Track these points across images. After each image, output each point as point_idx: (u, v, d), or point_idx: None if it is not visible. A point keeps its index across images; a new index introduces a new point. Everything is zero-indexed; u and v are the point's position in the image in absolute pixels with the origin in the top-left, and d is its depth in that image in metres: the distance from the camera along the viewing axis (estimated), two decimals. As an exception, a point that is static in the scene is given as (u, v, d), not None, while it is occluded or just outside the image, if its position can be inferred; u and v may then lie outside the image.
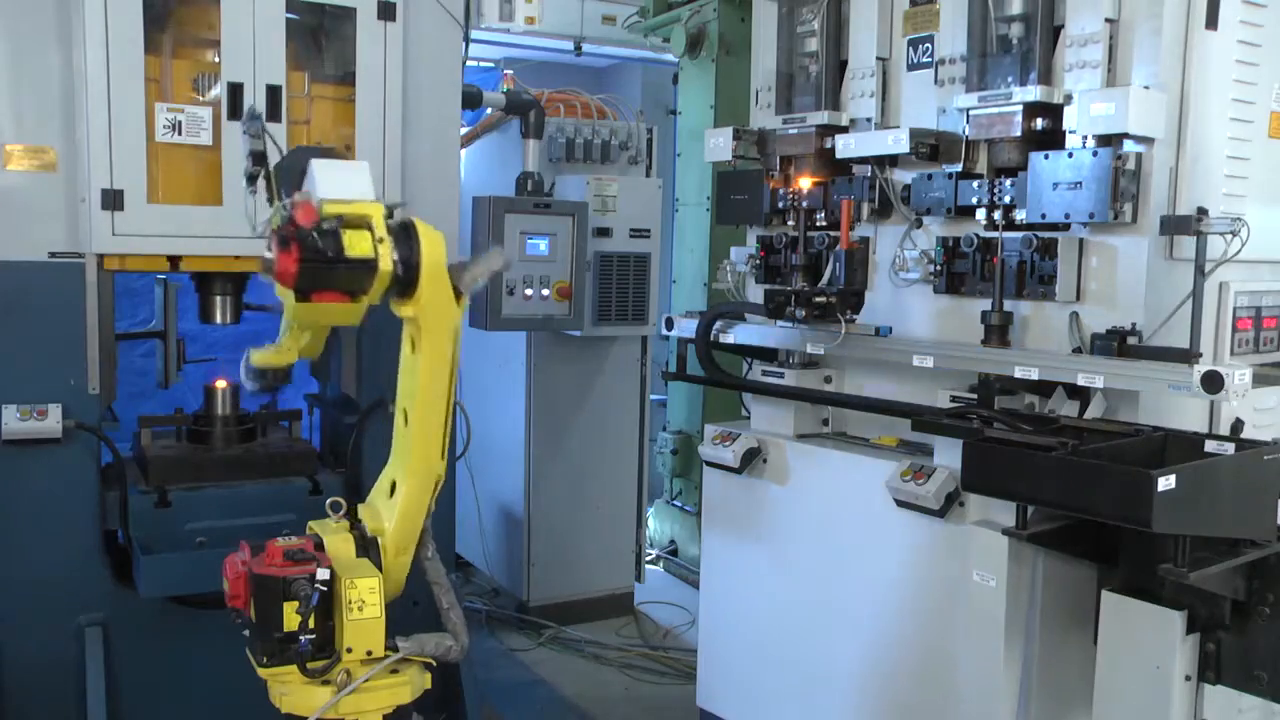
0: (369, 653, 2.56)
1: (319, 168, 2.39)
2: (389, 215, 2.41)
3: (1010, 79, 3.36)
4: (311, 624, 2.50)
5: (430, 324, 2.50)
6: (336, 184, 2.38)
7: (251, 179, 2.67)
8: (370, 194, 2.40)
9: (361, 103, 4.12)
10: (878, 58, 3.84)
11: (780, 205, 4.16)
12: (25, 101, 3.73)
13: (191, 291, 4.37)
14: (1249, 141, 3.31)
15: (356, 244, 2.31)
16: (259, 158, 2.67)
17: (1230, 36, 3.21)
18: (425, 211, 4.29)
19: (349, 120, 4.13)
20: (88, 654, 3.83)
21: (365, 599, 2.54)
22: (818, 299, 3.65)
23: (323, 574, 2.54)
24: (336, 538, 2.71)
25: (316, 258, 2.27)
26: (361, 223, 2.34)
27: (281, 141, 3.92)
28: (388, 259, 2.35)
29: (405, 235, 2.40)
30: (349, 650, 2.55)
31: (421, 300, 2.44)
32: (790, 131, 4.06)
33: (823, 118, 3.95)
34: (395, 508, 2.70)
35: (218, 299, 4.26)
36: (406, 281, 2.40)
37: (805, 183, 3.97)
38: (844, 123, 3.95)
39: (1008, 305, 3.41)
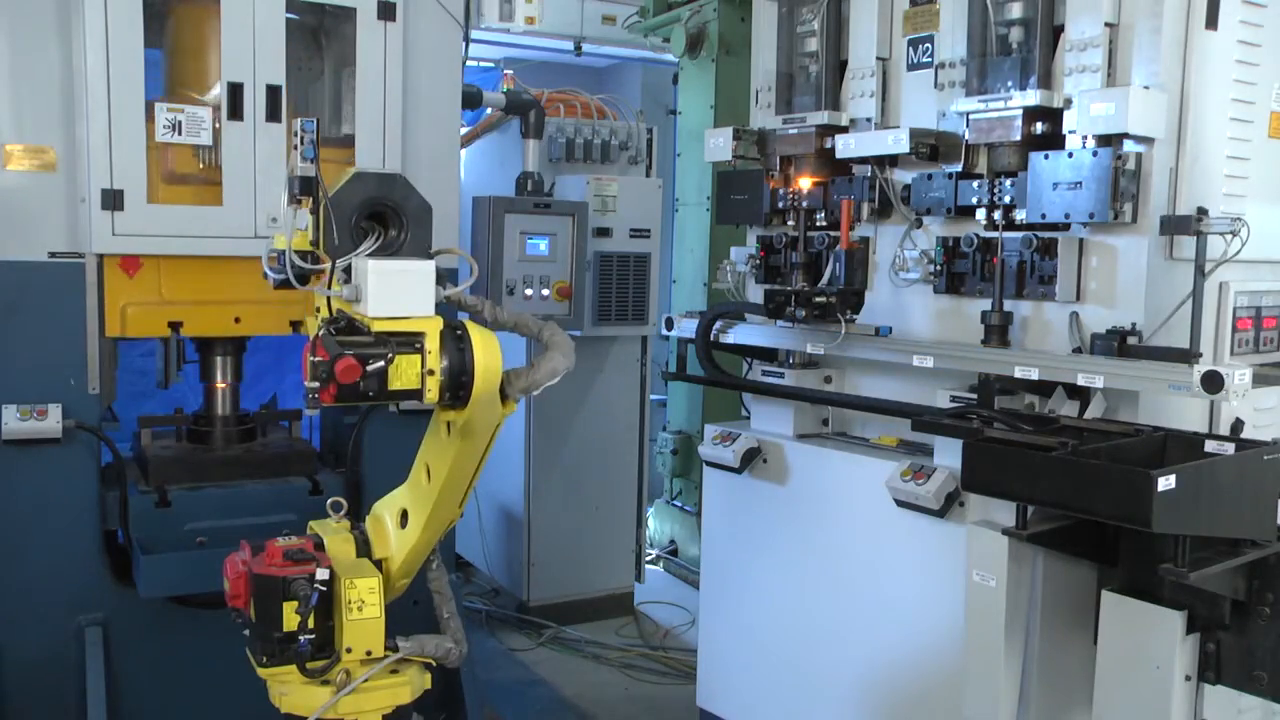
0: (368, 653, 2.56)
1: (377, 275, 2.19)
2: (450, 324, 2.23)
3: (1010, 83, 3.35)
4: (311, 624, 2.51)
5: (473, 429, 2.37)
6: (392, 300, 2.18)
7: (295, 200, 2.39)
8: (430, 306, 2.22)
9: (361, 103, 4.12)
10: (878, 58, 3.84)
11: (780, 205, 4.16)
12: (25, 101, 3.73)
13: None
14: (1249, 141, 3.31)
15: (403, 373, 2.18)
16: (308, 185, 2.35)
17: (1230, 36, 3.21)
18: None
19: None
20: (88, 654, 3.83)
21: (365, 599, 2.54)
22: (818, 299, 3.66)
23: (322, 574, 2.54)
24: (337, 538, 2.72)
25: (355, 396, 2.17)
26: (413, 344, 2.19)
27: (282, 131, 3.92)
28: (435, 391, 2.22)
29: (457, 348, 2.25)
30: (348, 650, 2.55)
31: (468, 413, 2.31)
32: (790, 131, 4.05)
33: (823, 118, 3.95)
34: (407, 543, 2.69)
35: (219, 359, 4.27)
36: (455, 399, 2.28)
37: (805, 183, 3.97)
38: (844, 123, 3.95)
39: (1008, 305, 3.41)
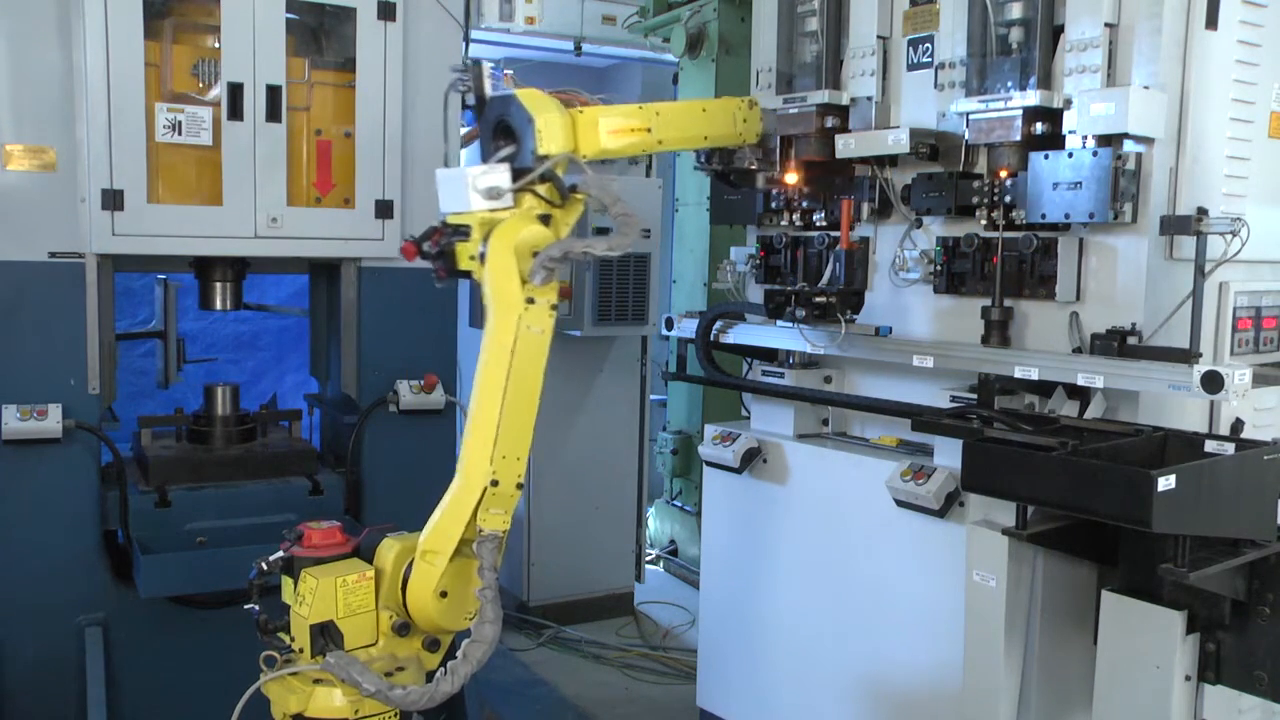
0: (300, 649, 2.60)
1: (438, 181, 2.62)
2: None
3: (1010, 83, 3.35)
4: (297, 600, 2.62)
5: (492, 295, 2.55)
6: (447, 198, 2.61)
7: (466, 141, 2.89)
8: (465, 204, 2.58)
9: (361, 102, 4.12)
10: (878, 36, 3.82)
11: (774, 205, 4.16)
12: (25, 101, 3.73)
13: (192, 292, 4.37)
14: (1249, 141, 3.31)
15: (462, 256, 2.57)
16: (480, 110, 2.81)
17: (1230, 36, 3.21)
18: (425, 211, 4.34)
19: (349, 107, 4.14)
20: (88, 654, 3.84)
21: (306, 597, 2.58)
22: (817, 299, 3.66)
23: (276, 555, 2.65)
24: (384, 545, 2.73)
25: (442, 263, 2.60)
26: (466, 233, 2.56)
27: (282, 131, 3.94)
28: (480, 271, 2.54)
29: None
30: (292, 639, 2.59)
31: (483, 275, 2.55)
32: (791, 111, 4.03)
33: (823, 97, 3.91)
34: (436, 511, 2.62)
35: (218, 285, 4.25)
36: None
37: (797, 177, 3.99)
38: (844, 102, 3.91)
39: (1007, 305, 3.41)
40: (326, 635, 2.57)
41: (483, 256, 2.52)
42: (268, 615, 2.66)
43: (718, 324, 4.22)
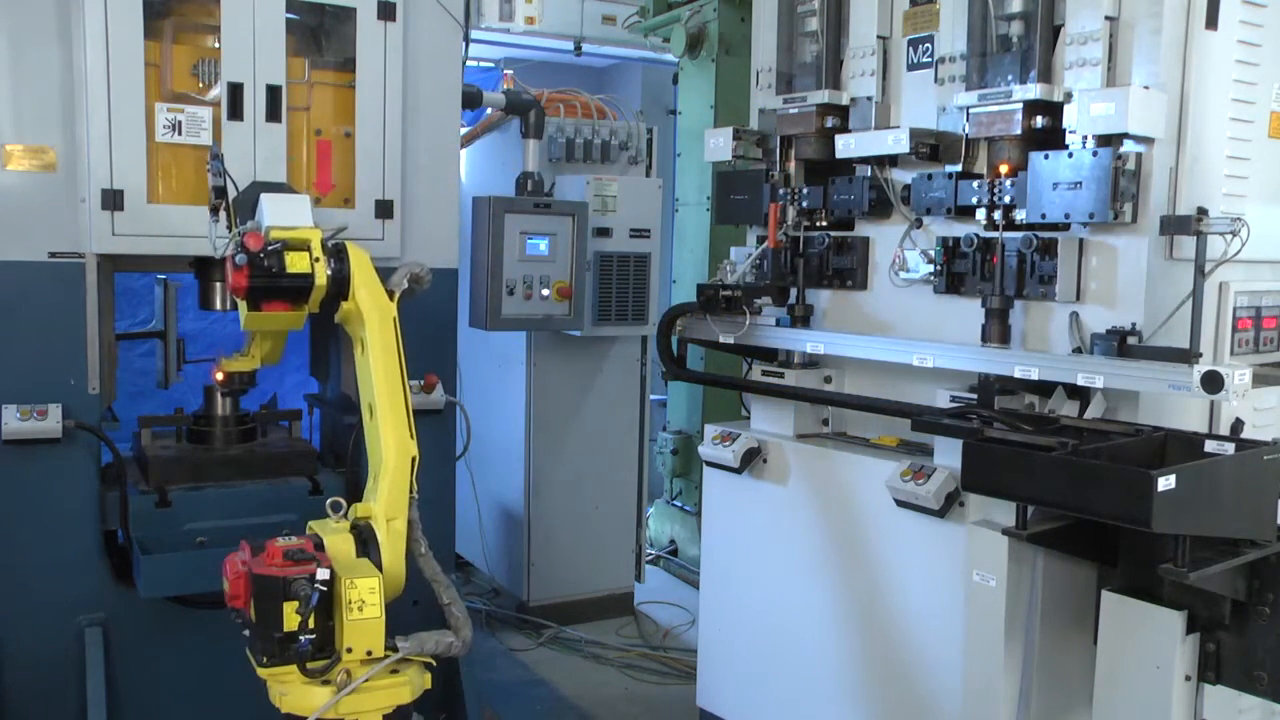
0: (369, 653, 2.57)
1: (267, 200, 2.90)
2: (328, 239, 2.91)
3: (1010, 77, 3.36)
4: (312, 624, 2.51)
5: (369, 317, 2.92)
6: (281, 214, 2.89)
7: (214, 210, 3.17)
8: (309, 222, 2.91)
9: (361, 102, 4.12)
10: (878, 36, 3.83)
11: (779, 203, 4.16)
12: (25, 101, 3.73)
13: (192, 292, 4.37)
14: (1249, 141, 3.31)
15: (296, 263, 2.80)
16: (220, 192, 3.15)
17: (1230, 36, 3.21)
18: (425, 211, 4.35)
19: (349, 107, 4.14)
20: (88, 654, 3.83)
21: (365, 599, 2.54)
22: (725, 293, 3.96)
23: (323, 574, 2.54)
24: (336, 537, 2.72)
25: (263, 274, 2.77)
26: (301, 245, 2.82)
27: (282, 131, 3.97)
28: (323, 274, 2.83)
29: (338, 254, 2.91)
30: (349, 650, 2.55)
31: (356, 299, 2.91)
32: (791, 111, 4.05)
33: (823, 96, 3.94)
34: (380, 484, 2.83)
35: (218, 285, 4.24)
36: (340, 291, 2.90)
37: (801, 169, 4.05)
38: (844, 102, 3.94)
39: (1007, 295, 3.41)
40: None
41: (337, 279, 2.88)
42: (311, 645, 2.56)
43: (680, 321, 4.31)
